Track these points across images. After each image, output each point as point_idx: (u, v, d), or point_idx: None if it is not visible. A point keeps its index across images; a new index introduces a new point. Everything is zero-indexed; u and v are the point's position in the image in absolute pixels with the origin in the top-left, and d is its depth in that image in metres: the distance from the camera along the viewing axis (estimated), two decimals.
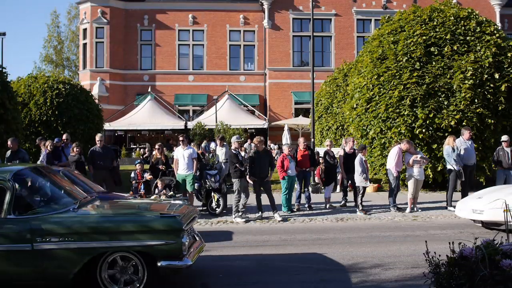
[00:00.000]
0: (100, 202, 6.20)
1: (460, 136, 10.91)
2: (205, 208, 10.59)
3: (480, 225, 8.42)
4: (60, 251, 4.86)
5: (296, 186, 11.14)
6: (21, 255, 4.86)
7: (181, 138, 11.11)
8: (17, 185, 5.10)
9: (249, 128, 27.06)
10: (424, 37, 12.86)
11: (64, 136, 12.62)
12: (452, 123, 11.97)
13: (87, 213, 5.44)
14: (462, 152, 10.58)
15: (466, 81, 12.09)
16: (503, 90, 12.21)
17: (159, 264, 4.90)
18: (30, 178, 5.62)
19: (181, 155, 10.76)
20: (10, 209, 4.94)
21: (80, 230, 4.92)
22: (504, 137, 11.16)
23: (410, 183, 10.47)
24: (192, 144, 13.76)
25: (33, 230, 4.86)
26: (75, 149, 11.21)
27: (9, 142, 10.42)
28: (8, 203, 4.94)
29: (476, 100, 12.12)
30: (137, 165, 11.96)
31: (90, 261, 4.90)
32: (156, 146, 12.28)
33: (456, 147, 10.53)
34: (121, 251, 4.97)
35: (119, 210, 5.90)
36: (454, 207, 9.06)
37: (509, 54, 12.78)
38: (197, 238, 5.92)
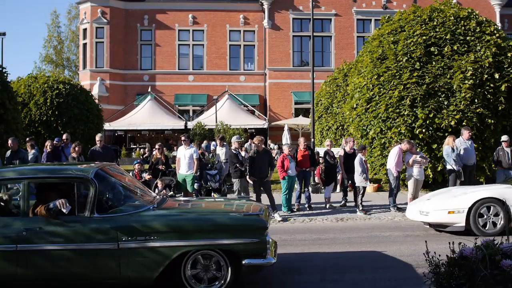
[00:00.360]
0: (174, 201, 6.25)
1: (460, 136, 10.91)
2: None
3: (428, 226, 8.46)
4: (146, 250, 4.87)
5: (296, 186, 11.14)
6: (107, 254, 4.87)
7: (183, 138, 11.12)
8: (99, 184, 5.09)
9: (249, 128, 27.07)
10: (424, 37, 12.85)
11: (64, 136, 12.63)
12: (452, 123, 11.97)
13: (169, 212, 5.48)
14: (461, 152, 10.58)
15: (466, 81, 12.08)
16: (503, 90, 12.21)
17: (243, 262, 4.91)
18: (107, 177, 5.59)
19: (183, 155, 10.77)
20: (94, 208, 4.96)
21: (166, 229, 4.94)
22: (504, 137, 11.16)
23: (410, 183, 10.47)
24: (192, 144, 13.77)
25: (119, 228, 4.88)
26: (76, 148, 11.21)
27: (9, 142, 10.41)
28: (92, 202, 4.96)
29: (476, 100, 12.12)
30: (136, 165, 11.95)
31: (175, 260, 4.90)
32: (156, 146, 12.29)
33: (455, 147, 10.54)
34: (206, 249, 4.98)
35: (199, 209, 5.90)
36: None
37: (509, 54, 12.78)
38: None
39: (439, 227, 8.19)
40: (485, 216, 7.78)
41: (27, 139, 11.68)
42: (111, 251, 4.85)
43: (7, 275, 4.82)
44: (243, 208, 5.55)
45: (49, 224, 4.88)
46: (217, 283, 4.98)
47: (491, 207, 7.80)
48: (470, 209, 7.75)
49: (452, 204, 7.94)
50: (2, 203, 5.55)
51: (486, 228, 7.73)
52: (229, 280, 4.96)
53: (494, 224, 7.77)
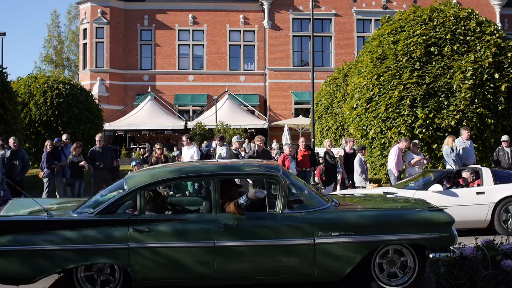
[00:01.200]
0: (343, 197, 6.29)
1: (459, 136, 10.92)
2: None
3: None
4: (340, 245, 4.93)
5: None
6: (303, 249, 4.92)
7: (184, 138, 11.14)
8: (288, 181, 5.15)
9: (249, 128, 27.06)
10: (424, 37, 12.85)
11: (64, 137, 12.62)
12: (452, 123, 11.96)
13: (355, 208, 5.55)
14: (461, 152, 10.58)
15: (466, 81, 12.08)
16: (503, 90, 12.20)
17: (431, 256, 4.86)
18: (289, 175, 5.63)
19: (185, 155, 10.82)
20: (285, 204, 5.02)
21: (360, 224, 5.01)
22: (504, 137, 11.17)
23: None
24: (193, 143, 13.77)
25: (314, 224, 4.94)
26: (76, 149, 11.20)
27: (11, 141, 10.40)
28: (283, 199, 5.02)
29: (476, 100, 12.12)
30: (135, 166, 11.92)
31: (367, 255, 4.97)
32: (156, 146, 12.28)
33: (455, 147, 10.54)
34: (395, 244, 5.05)
35: (382, 205, 5.88)
36: None
37: (509, 54, 12.77)
38: None
39: None
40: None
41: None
42: (307, 247, 4.91)
43: (204, 271, 4.89)
44: (422, 204, 5.65)
45: (244, 220, 4.95)
46: (404, 276, 5.08)
47: None
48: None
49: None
50: (201, 200, 5.69)
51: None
52: (416, 274, 5.05)
53: None
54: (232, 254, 4.88)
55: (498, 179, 8.62)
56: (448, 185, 8.87)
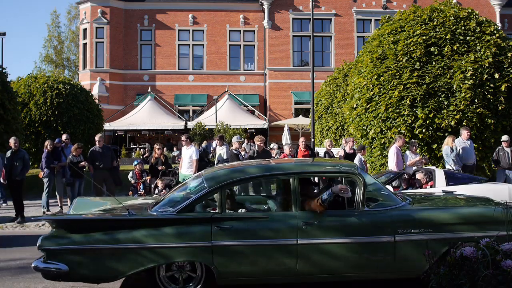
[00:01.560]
0: (409, 195, 6.30)
1: (459, 136, 10.92)
2: None
3: None
4: (419, 243, 4.94)
5: None
6: (383, 247, 4.97)
7: (183, 138, 11.14)
8: (366, 179, 5.23)
9: (249, 128, 27.07)
10: (424, 37, 12.85)
11: (63, 137, 12.62)
12: (452, 123, 11.96)
13: (429, 206, 5.53)
14: (460, 152, 10.58)
15: (466, 81, 12.08)
16: (503, 90, 12.20)
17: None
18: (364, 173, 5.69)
19: (184, 155, 10.83)
20: (364, 202, 5.08)
21: (439, 222, 5.05)
22: (504, 137, 11.17)
23: None
24: (193, 143, 13.77)
25: (394, 221, 4.99)
26: (77, 150, 11.20)
27: (12, 141, 10.40)
28: (362, 196, 5.08)
29: (476, 100, 12.12)
30: (137, 165, 11.95)
31: (445, 252, 4.93)
32: (156, 146, 12.29)
33: (455, 147, 10.54)
34: (470, 241, 5.05)
35: (454, 203, 5.87)
36: None
37: (509, 54, 12.77)
38: None
39: None
40: None
41: None
42: (387, 244, 4.95)
43: (286, 268, 4.93)
44: (489, 201, 5.68)
45: (325, 218, 5.00)
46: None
47: None
48: None
49: None
50: (277, 198, 5.71)
51: None
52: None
53: None
54: (313, 251, 4.91)
55: (451, 180, 8.66)
56: (405, 187, 8.94)
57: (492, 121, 12.12)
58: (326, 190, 5.27)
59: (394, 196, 5.44)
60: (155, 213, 5.06)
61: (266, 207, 5.78)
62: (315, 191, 5.71)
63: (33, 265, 4.82)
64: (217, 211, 5.03)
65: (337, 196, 5.18)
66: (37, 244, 4.75)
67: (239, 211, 5.48)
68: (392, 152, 10.62)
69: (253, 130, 27.07)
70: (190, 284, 4.95)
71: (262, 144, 10.24)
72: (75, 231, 4.82)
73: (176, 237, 4.80)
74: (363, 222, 5.00)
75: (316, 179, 9.73)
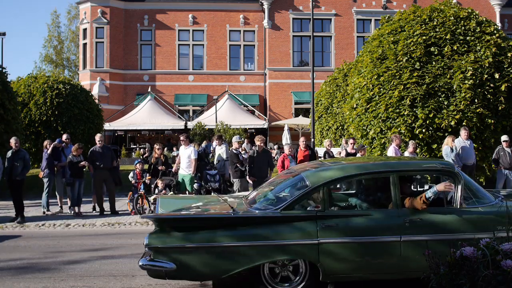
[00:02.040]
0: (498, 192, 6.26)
1: (459, 136, 10.92)
2: None
3: None
4: None
5: None
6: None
7: (182, 138, 11.14)
8: (463, 177, 5.23)
9: (249, 128, 27.07)
10: (424, 37, 12.84)
11: (64, 137, 12.62)
12: (452, 123, 11.96)
13: None
14: (460, 152, 10.58)
15: (466, 81, 12.08)
16: (503, 90, 12.20)
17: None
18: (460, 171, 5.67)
19: (182, 155, 10.81)
20: (463, 199, 5.14)
21: None
22: (504, 137, 11.17)
23: None
24: (192, 143, 13.77)
25: (493, 219, 5.01)
26: (78, 150, 11.20)
27: (12, 141, 10.40)
28: (461, 194, 5.13)
29: (476, 100, 12.12)
30: (137, 165, 11.95)
31: None
32: (156, 146, 12.29)
33: (454, 147, 10.54)
34: None
35: None
36: None
37: (509, 54, 12.76)
38: None
39: None
40: None
41: None
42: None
43: (390, 264, 4.97)
44: None
45: (428, 215, 5.02)
46: None
47: None
48: None
49: None
50: (376, 195, 5.75)
51: None
52: None
53: None
54: (417, 248, 4.89)
55: None
56: None
57: (492, 121, 12.12)
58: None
59: (487, 193, 5.46)
60: (256, 211, 5.07)
61: (365, 205, 5.76)
62: (412, 188, 5.76)
63: (139, 264, 4.79)
64: (319, 208, 5.04)
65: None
66: (144, 243, 4.73)
67: (337, 208, 5.52)
68: (391, 152, 10.62)
69: (253, 130, 27.07)
70: (296, 280, 4.95)
71: (262, 144, 10.24)
72: (181, 230, 4.82)
73: (282, 235, 4.82)
74: (464, 219, 5.03)
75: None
